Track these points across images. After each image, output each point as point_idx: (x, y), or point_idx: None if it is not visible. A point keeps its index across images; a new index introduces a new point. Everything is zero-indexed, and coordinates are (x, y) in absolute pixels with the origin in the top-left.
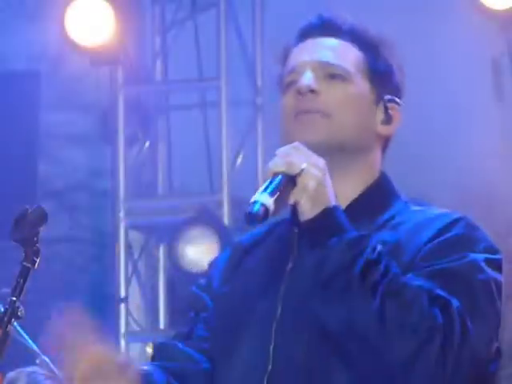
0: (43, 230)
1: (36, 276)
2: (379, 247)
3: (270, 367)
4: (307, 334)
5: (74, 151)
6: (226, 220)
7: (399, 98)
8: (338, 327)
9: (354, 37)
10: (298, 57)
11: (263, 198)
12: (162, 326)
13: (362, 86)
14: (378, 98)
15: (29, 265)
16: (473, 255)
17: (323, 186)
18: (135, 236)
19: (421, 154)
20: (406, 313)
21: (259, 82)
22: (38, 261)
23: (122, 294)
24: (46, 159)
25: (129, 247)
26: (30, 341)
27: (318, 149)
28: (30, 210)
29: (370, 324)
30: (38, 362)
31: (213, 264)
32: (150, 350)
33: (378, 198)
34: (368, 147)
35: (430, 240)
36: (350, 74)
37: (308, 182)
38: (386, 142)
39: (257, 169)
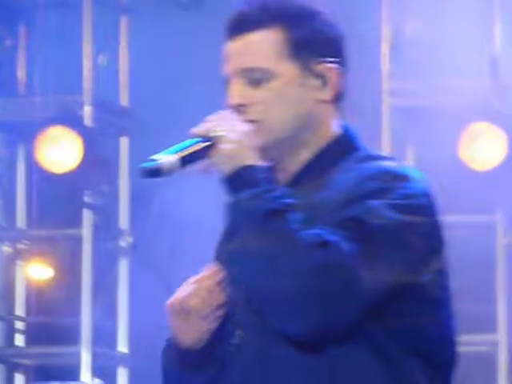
0: None
1: None
2: (288, 200)
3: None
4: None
5: None
6: (87, 120)
7: (336, 52)
8: (242, 277)
9: (272, 18)
10: (227, 63)
11: (160, 156)
12: (19, 225)
13: (286, 71)
14: (307, 69)
15: None
16: (373, 202)
17: (240, 149)
18: None
19: None
20: (286, 253)
21: None
22: None
23: None
24: None
25: None
26: None
27: (265, 151)
28: None
29: (262, 268)
30: None
31: None
32: (7, 248)
33: (325, 160)
34: (312, 121)
35: (351, 194)
36: (269, 71)
37: (224, 145)
38: (336, 96)
39: (118, 70)
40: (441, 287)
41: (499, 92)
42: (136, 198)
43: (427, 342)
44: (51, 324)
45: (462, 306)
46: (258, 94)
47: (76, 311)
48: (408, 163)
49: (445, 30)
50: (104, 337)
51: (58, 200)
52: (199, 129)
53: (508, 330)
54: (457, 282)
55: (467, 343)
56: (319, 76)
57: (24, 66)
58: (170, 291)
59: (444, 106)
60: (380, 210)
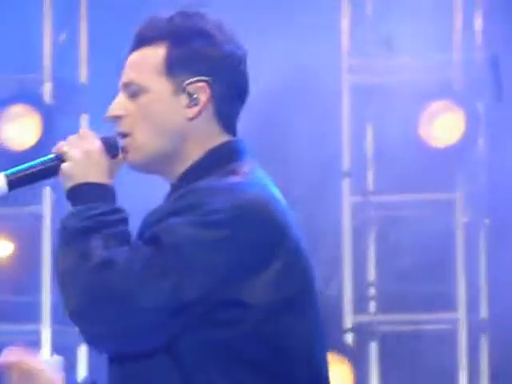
0: None
1: None
2: (109, 217)
3: None
4: None
5: None
6: (47, 98)
7: (215, 71)
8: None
9: (160, 35)
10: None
11: None
12: None
13: (158, 87)
14: (180, 87)
15: None
16: (174, 220)
17: (80, 167)
18: None
19: None
20: (74, 271)
21: None
22: None
23: None
24: None
25: None
26: None
27: (138, 166)
28: None
29: (61, 281)
30: None
31: None
32: None
33: (192, 175)
34: (184, 138)
35: (163, 211)
36: (142, 85)
37: (65, 164)
38: (219, 112)
39: (79, 48)
40: (274, 296)
41: (458, 70)
42: None
43: (251, 354)
44: (11, 301)
45: (422, 285)
46: (130, 107)
47: (36, 289)
48: (368, 141)
49: (405, 8)
50: (64, 314)
51: None
52: (55, 146)
53: (468, 308)
54: (417, 261)
55: (428, 322)
56: (190, 94)
57: None
58: None
59: (404, 84)
60: (178, 227)
